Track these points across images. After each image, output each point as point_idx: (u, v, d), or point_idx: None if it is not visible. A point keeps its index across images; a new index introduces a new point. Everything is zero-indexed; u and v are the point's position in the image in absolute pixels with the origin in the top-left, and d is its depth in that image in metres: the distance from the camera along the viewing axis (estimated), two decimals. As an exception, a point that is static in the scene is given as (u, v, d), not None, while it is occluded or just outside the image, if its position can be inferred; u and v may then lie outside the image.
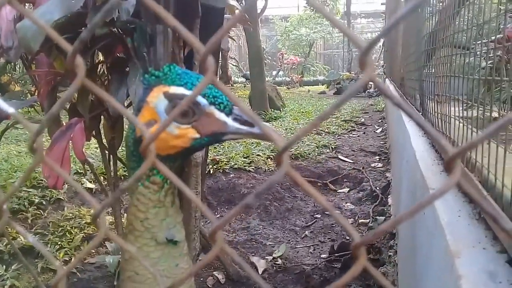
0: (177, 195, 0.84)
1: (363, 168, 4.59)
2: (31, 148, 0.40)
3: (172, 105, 0.73)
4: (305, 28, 20.00)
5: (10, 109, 0.43)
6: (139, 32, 0.77)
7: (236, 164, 4.21)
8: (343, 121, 7.20)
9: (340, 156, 4.98)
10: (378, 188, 3.90)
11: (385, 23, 12.65)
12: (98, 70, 1.93)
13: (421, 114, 2.18)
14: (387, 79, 7.38)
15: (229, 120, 0.73)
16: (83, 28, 1.60)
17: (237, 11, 2.06)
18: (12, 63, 5.15)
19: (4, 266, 2.62)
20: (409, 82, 3.23)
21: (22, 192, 3.32)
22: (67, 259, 2.76)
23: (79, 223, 3.11)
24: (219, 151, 4.60)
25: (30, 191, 3.36)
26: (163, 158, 0.74)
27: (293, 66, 18.47)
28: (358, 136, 6.26)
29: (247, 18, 2.14)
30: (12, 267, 2.63)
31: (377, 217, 2.93)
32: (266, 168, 4.31)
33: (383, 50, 12.98)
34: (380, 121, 7.50)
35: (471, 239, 0.77)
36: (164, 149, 0.75)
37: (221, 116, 0.73)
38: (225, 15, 2.01)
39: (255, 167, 4.26)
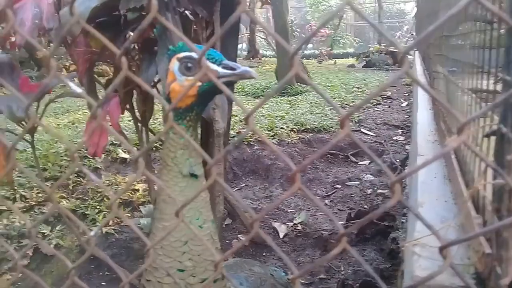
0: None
1: (384, 141, 4.69)
2: (93, 116, 0.58)
3: (182, 64, 1.00)
4: (335, -1, 19.65)
5: (78, 90, 0.59)
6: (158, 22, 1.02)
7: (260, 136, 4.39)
8: (368, 94, 7.24)
9: (363, 130, 5.08)
10: (398, 160, 4.02)
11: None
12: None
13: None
14: (417, 52, 7.31)
15: (219, 68, 0.96)
16: (116, 12, 1.78)
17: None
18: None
19: (50, 227, 2.90)
20: (431, 54, 3.28)
21: (63, 161, 3.61)
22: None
23: (115, 189, 3.38)
24: (244, 124, 4.79)
25: (71, 160, 3.64)
26: (183, 111, 1.01)
27: (322, 39, 18.26)
28: (383, 109, 6.31)
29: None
30: (57, 228, 2.91)
31: (393, 187, 3.07)
32: (289, 140, 4.48)
33: (415, 21, 12.71)
34: (407, 94, 7.48)
35: (438, 194, 0.93)
36: (182, 100, 1.00)
37: (214, 66, 0.96)
38: (245, -4, 2.15)
39: (278, 139, 4.44)
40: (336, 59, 15.77)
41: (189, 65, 0.99)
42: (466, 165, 0.92)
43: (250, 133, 4.44)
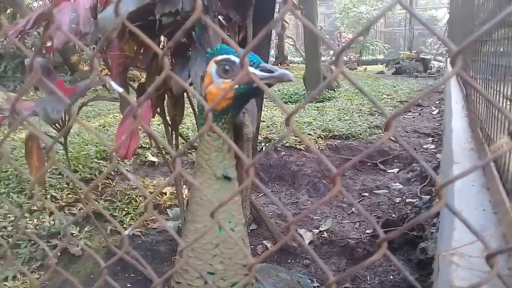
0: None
1: (414, 149, 4.60)
2: (132, 116, 0.58)
3: (219, 67, 1.00)
4: (365, 6, 19.49)
5: (119, 89, 0.61)
6: (198, 23, 1.04)
7: (287, 142, 4.38)
8: (399, 101, 7.13)
9: (392, 137, 4.99)
10: (428, 169, 3.92)
11: None
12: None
13: (466, 98, 2.22)
14: (448, 58, 7.17)
15: (257, 71, 0.96)
16: (151, 17, 1.81)
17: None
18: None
19: (78, 228, 2.96)
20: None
21: (93, 163, 3.69)
22: (132, 223, 3.07)
23: (143, 192, 3.42)
24: (271, 130, 4.79)
25: (101, 162, 3.72)
26: (219, 113, 1.02)
27: (351, 45, 18.12)
28: (413, 117, 6.20)
29: (298, 6, 2.27)
30: (85, 229, 2.96)
31: (423, 196, 3.01)
32: (317, 146, 4.44)
33: (447, 27, 12.47)
34: (438, 102, 7.34)
35: (475, 203, 0.90)
36: (218, 103, 1.00)
37: (251, 69, 0.96)
38: (276, 1, 2.16)
39: (306, 145, 4.41)
40: (366, 66, 15.61)
41: (227, 67, 1.00)
42: (509, 174, 0.88)
43: (277, 138, 4.44)
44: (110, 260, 0.66)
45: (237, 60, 1.00)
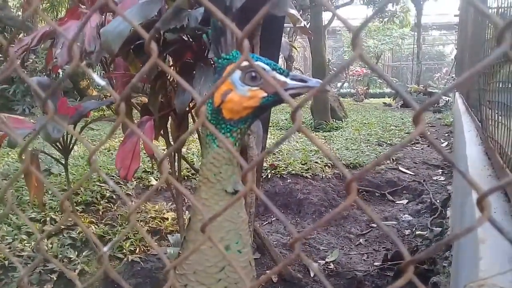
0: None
1: (424, 180, 4.49)
2: (117, 111, 0.52)
3: (246, 74, 0.94)
4: (373, 40, 19.68)
5: (102, 82, 0.55)
6: (213, 26, 0.98)
7: (293, 170, 4.30)
8: (406, 133, 7.06)
9: (401, 168, 4.90)
10: (438, 201, 3.81)
11: (457, 35, 12.18)
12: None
13: (481, 126, 2.15)
14: (456, 93, 7.14)
15: (287, 80, 0.93)
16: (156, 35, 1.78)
17: (298, 22, 2.18)
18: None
19: (76, 252, 2.86)
20: (473, 93, 3.16)
21: (95, 186, 3.62)
22: (132, 249, 2.97)
23: (144, 217, 3.34)
24: (278, 157, 4.71)
25: (102, 186, 3.65)
26: (236, 122, 0.96)
27: (359, 78, 18.22)
28: (422, 148, 6.10)
29: (306, 28, 2.24)
30: (83, 253, 2.87)
31: (434, 228, 2.89)
32: (323, 175, 4.35)
33: (454, 63, 12.52)
34: (446, 135, 7.25)
35: (501, 231, 0.81)
36: (238, 111, 0.94)
37: (281, 77, 0.93)
38: (285, 24, 2.13)
39: (312, 173, 4.32)
40: (373, 99, 15.63)
41: (254, 74, 0.93)
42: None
43: (283, 166, 4.35)
44: (89, 280, 0.57)
45: (267, 67, 0.95)
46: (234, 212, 0.97)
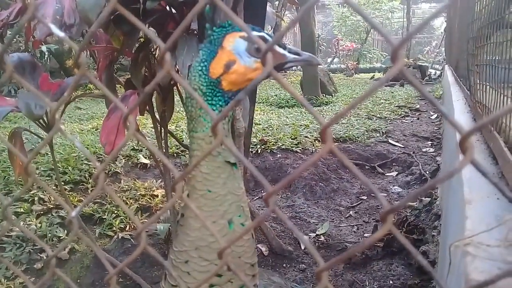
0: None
1: (413, 152, 4.50)
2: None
3: (252, 45, 0.90)
4: (362, 14, 19.46)
5: (61, 33, 0.51)
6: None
7: (283, 144, 4.28)
8: (396, 106, 7.05)
9: (390, 141, 4.91)
10: (427, 172, 3.83)
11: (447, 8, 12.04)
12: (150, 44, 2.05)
13: (470, 93, 2.13)
14: (446, 65, 7.12)
15: (286, 53, 0.92)
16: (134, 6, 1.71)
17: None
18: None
19: (66, 231, 2.84)
20: (462, 62, 3.14)
21: (83, 165, 3.57)
22: (122, 226, 2.96)
23: (134, 194, 3.31)
24: (267, 133, 4.69)
25: (90, 164, 3.60)
26: (233, 95, 0.93)
27: (349, 53, 18.10)
28: (412, 121, 6.11)
29: (294, 1, 2.18)
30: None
31: (423, 199, 2.90)
32: (313, 149, 4.34)
33: (444, 36, 12.46)
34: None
35: (488, 191, 0.80)
36: (240, 83, 0.92)
37: (281, 50, 0.92)
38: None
39: (302, 148, 4.31)
40: (363, 74, 15.57)
41: (257, 46, 0.89)
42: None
43: (273, 141, 4.33)
44: (56, 250, 0.55)
45: (270, 39, 0.90)
46: (235, 183, 0.95)
